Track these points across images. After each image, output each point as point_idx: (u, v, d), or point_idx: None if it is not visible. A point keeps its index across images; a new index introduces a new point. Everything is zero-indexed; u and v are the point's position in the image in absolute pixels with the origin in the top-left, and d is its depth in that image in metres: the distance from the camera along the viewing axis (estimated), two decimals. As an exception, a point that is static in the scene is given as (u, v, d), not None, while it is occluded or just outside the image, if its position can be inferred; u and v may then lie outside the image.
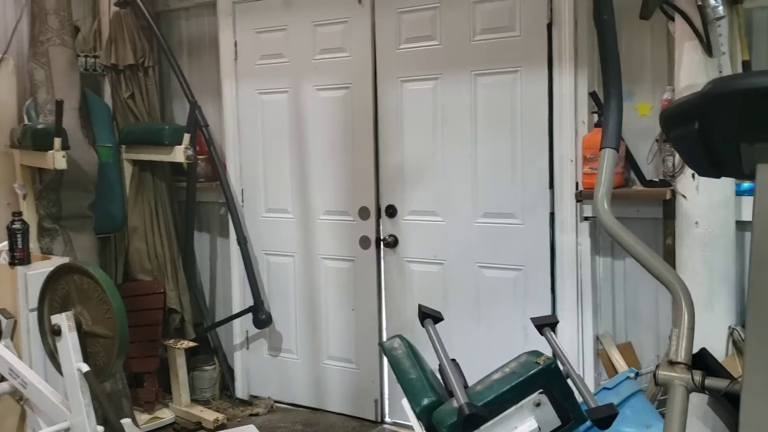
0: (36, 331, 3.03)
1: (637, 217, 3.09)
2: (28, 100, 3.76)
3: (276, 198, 3.98)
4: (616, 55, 1.59)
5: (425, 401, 1.80)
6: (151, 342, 3.90)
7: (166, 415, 3.88)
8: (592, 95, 3.10)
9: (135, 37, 4.06)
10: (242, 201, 4.07)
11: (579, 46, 3.11)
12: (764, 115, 1.22)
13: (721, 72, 2.72)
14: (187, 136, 3.78)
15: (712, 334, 2.77)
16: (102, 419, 2.91)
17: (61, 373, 2.81)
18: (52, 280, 2.90)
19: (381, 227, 3.70)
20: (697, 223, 2.73)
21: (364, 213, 3.71)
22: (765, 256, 1.22)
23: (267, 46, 3.93)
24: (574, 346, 3.22)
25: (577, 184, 3.14)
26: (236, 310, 4.05)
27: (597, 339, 3.23)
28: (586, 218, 3.20)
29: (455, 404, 1.72)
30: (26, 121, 3.68)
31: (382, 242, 3.68)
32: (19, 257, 3.17)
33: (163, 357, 3.99)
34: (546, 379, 1.75)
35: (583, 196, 3.10)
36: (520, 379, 1.74)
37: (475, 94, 3.37)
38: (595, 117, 3.09)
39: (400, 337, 2.04)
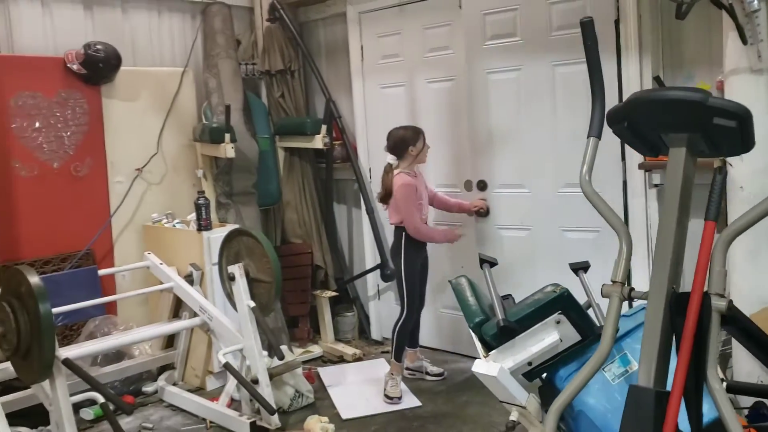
0: (216, 280, 4.07)
1: (698, 182, 3.55)
2: (204, 103, 4.80)
3: (397, 174, 4.78)
4: (600, 70, 2.17)
5: (477, 319, 2.54)
6: (303, 291, 4.88)
7: (315, 350, 4.82)
8: (656, 79, 3.58)
9: (283, 46, 4.98)
10: (370, 178, 4.91)
11: (643, 38, 3.61)
12: (670, 115, 1.83)
13: (760, 57, 3.14)
14: (324, 127, 4.67)
15: (757, 284, 3.23)
16: (266, 347, 3.88)
17: (235, 309, 3.81)
18: (228, 240, 3.90)
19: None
20: (741, 187, 3.15)
21: (468, 185, 4.42)
22: (669, 210, 1.84)
23: (386, 48, 4.71)
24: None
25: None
26: (367, 267, 4.93)
27: (665, 289, 3.74)
28: (655, 185, 3.71)
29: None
30: (203, 121, 4.73)
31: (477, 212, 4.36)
32: (204, 225, 4.22)
33: (313, 304, 4.96)
34: (561, 303, 2.42)
35: (645, 166, 3.61)
36: (542, 303, 2.42)
37: (554, 82, 3.94)
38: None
39: (465, 276, 2.77)
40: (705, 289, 1.76)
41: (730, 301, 1.72)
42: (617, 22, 3.68)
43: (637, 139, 1.94)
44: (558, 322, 2.45)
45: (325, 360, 4.75)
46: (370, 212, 4.71)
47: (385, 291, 4.99)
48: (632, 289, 1.91)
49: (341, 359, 4.71)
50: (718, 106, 1.71)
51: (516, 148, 4.16)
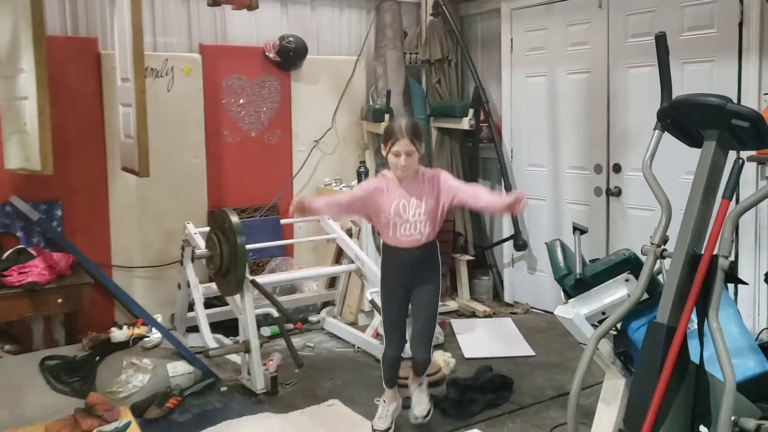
0: (369, 234, 4.91)
1: None
2: (372, 87, 5.64)
3: (535, 155, 5.34)
4: (669, 77, 2.64)
5: (561, 273, 3.12)
6: (444, 254, 5.56)
7: (451, 305, 5.53)
8: (774, 79, 3.87)
9: (443, 38, 5.68)
10: (512, 157, 5.50)
11: (765, 41, 3.89)
12: (704, 115, 2.33)
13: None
14: (471, 111, 5.33)
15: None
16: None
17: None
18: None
19: (609, 180, 4.85)
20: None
21: (598, 168, 4.90)
22: (696, 189, 2.35)
23: (532, 42, 5.26)
24: (752, 277, 4.07)
25: (756, 149, 3.95)
26: (503, 237, 5.56)
27: (771, 273, 4.03)
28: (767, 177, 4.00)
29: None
30: (370, 102, 5.58)
31: (609, 192, 4.84)
32: (363, 189, 5.06)
33: (452, 267, 5.67)
34: (630, 264, 2.94)
35: (756, 159, 3.88)
36: (613, 263, 2.96)
37: (682, 78, 4.31)
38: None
39: (560, 240, 3.34)
40: (715, 252, 2.26)
41: (733, 262, 2.21)
42: (741, 25, 3.99)
43: (680, 133, 2.45)
44: (627, 280, 2.97)
45: (459, 314, 5.45)
46: (509, 189, 5.32)
47: (518, 260, 5.58)
48: (664, 249, 2.44)
49: (473, 315, 5.38)
50: (735, 110, 2.20)
51: (647, 137, 4.51)
